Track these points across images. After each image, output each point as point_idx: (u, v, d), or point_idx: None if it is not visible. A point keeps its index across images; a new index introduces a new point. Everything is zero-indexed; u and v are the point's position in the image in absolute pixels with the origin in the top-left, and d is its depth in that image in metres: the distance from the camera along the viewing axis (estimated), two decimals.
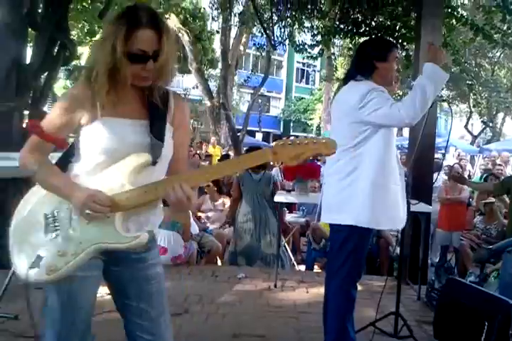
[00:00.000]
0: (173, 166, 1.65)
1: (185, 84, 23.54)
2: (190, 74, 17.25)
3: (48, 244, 1.52)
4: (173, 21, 13.33)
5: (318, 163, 6.49)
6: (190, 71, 16.12)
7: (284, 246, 5.45)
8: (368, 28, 6.33)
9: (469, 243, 5.77)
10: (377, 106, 2.31)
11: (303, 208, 6.82)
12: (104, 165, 1.54)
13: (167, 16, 11.79)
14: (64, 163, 1.64)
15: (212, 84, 16.45)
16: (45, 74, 5.07)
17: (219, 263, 5.54)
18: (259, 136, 26.30)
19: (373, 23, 6.32)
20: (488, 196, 6.21)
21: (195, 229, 5.56)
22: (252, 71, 15.72)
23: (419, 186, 3.83)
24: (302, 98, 31.03)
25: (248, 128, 15.98)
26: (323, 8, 6.79)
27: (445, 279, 3.70)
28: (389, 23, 6.22)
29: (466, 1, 10.47)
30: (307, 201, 5.08)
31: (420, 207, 3.63)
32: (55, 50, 4.98)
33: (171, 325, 1.75)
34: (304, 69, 32.83)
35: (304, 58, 8.87)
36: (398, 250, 5.41)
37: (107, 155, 1.53)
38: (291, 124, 31.39)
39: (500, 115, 25.51)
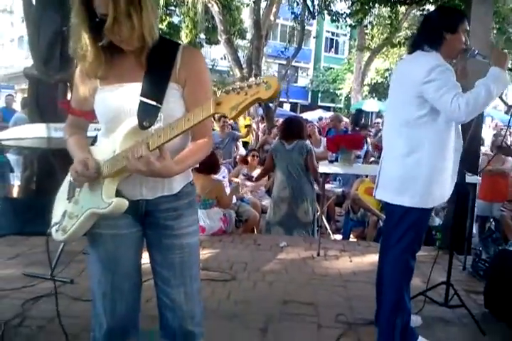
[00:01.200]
0: (195, 127, 1.38)
1: (213, 55, 23.41)
2: (218, 45, 17.13)
3: (67, 207, 1.64)
4: None
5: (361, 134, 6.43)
6: (218, 41, 15.96)
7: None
8: None
9: (510, 214, 5.71)
10: (441, 91, 2.22)
11: (339, 179, 6.82)
12: (109, 132, 1.56)
13: None
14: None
15: (240, 55, 16.27)
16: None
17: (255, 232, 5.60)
18: (286, 107, 26.06)
19: None
20: None
21: (232, 198, 5.62)
22: (288, 42, 15.43)
23: (467, 158, 3.77)
24: (331, 68, 30.47)
25: None
26: None
27: (492, 249, 3.69)
28: None
29: None
30: (352, 172, 5.06)
31: (469, 178, 3.58)
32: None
33: (195, 297, 1.71)
34: (333, 39, 32.14)
35: (338, 27, 8.65)
36: (437, 219, 5.43)
37: (108, 122, 1.58)
38: (320, 95, 30.98)
39: None
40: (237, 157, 7.73)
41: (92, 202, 1.54)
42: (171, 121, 1.45)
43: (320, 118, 13.55)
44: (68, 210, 1.62)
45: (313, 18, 9.29)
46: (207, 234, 4.71)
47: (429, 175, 2.37)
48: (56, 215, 1.67)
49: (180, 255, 1.67)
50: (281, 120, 13.05)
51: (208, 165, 4.72)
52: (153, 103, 1.51)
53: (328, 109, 25.93)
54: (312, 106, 26.79)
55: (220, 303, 3.12)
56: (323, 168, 4.19)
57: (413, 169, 2.37)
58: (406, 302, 2.47)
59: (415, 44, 2.48)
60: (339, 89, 28.20)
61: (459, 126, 2.47)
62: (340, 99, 28.23)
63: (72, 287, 3.19)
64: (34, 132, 3.61)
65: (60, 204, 1.68)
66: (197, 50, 1.73)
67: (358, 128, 8.40)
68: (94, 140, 1.74)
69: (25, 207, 4.71)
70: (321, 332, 2.79)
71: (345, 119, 13.02)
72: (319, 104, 29.72)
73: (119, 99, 1.54)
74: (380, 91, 24.33)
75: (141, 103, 1.51)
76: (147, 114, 1.50)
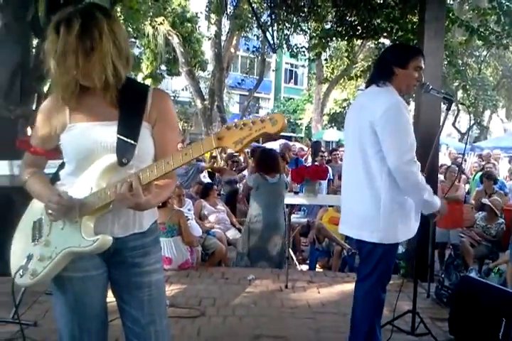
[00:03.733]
0: None
1: (174, 86, 23.60)
2: (179, 77, 17.33)
3: (32, 250, 1.60)
4: (164, 24, 13.37)
5: (327, 165, 6.55)
6: (179, 73, 16.17)
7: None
8: (365, 31, 6.41)
9: (469, 240, 5.89)
10: (402, 133, 2.32)
11: (304, 209, 6.90)
12: (80, 170, 1.58)
13: (158, 21, 11.78)
14: (58, 172, 1.72)
15: (202, 86, 16.50)
16: (49, 80, 5.07)
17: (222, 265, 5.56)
18: None
19: (370, 26, 6.39)
20: (487, 195, 6.37)
21: (198, 231, 5.59)
22: (246, 74, 15.81)
23: None
24: (291, 98, 31.15)
25: None
26: (319, 11, 6.86)
27: (454, 276, 3.81)
28: (386, 25, 6.29)
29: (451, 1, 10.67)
30: (317, 203, 5.15)
31: None
32: None
33: (165, 334, 1.73)
34: (292, 70, 33.06)
35: (299, 60, 8.94)
36: (400, 248, 5.55)
37: (80, 161, 1.58)
38: None
39: (487, 113, 25.98)
40: (195, 187, 7.56)
41: (69, 242, 1.52)
42: (145, 158, 1.54)
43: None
44: (36, 253, 1.58)
45: (274, 53, 9.57)
46: (173, 266, 4.66)
47: (389, 210, 2.36)
48: (18, 259, 1.63)
49: (149, 293, 1.68)
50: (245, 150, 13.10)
51: None
52: (130, 141, 1.55)
53: (289, 138, 26.32)
54: (273, 137, 27.12)
55: None
56: (289, 199, 4.25)
57: (372, 204, 2.38)
58: (377, 334, 2.49)
59: (370, 79, 2.59)
60: (300, 119, 28.78)
61: None
62: (301, 129, 28.77)
63: (36, 330, 3.08)
64: None
65: (22, 247, 1.64)
66: (166, 93, 1.79)
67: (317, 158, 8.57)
68: (53, 178, 1.72)
69: None
70: None
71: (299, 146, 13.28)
72: (280, 133, 30.16)
73: (94, 136, 1.56)
74: (338, 120, 25.00)
75: (119, 141, 1.54)
76: (125, 151, 1.54)
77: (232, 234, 6.07)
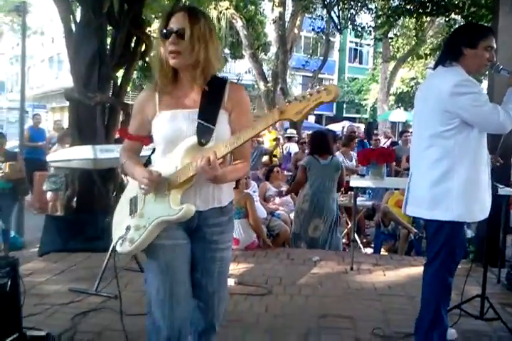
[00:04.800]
0: (237, 148, 1.68)
1: (237, 69, 23.78)
2: (243, 60, 17.44)
3: (130, 222, 1.87)
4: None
5: (394, 147, 6.47)
6: (242, 56, 16.27)
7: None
8: (435, 7, 6.14)
9: None
10: (477, 104, 2.29)
11: (369, 191, 6.86)
12: (167, 152, 1.82)
13: (224, 6, 11.87)
14: (150, 156, 2.02)
15: (264, 68, 16.50)
16: (124, 68, 5.32)
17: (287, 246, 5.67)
18: (311, 119, 26.09)
19: (441, 2, 6.12)
20: None
21: (263, 212, 5.72)
22: (310, 55, 15.67)
23: (498, 169, 3.78)
24: (355, 78, 30.44)
25: None
26: None
27: None
28: (458, 1, 6.00)
29: None
30: (383, 186, 5.13)
31: (501, 190, 3.60)
32: (132, 45, 5.22)
33: (225, 300, 2.05)
34: (357, 49, 32.20)
35: (364, 39, 8.76)
36: (469, 232, 5.42)
37: (166, 143, 1.83)
38: (345, 106, 30.93)
39: None
40: (262, 169, 7.82)
41: (160, 212, 1.77)
42: (222, 140, 1.74)
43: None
44: (132, 224, 1.84)
45: (340, 33, 9.40)
46: (241, 247, 4.83)
47: (464, 187, 2.35)
48: (119, 230, 1.90)
49: (220, 266, 1.93)
50: (306, 133, 13.13)
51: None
52: (209, 125, 1.78)
53: (353, 120, 25.87)
54: (337, 118, 26.78)
55: (259, 317, 3.22)
56: (355, 182, 4.26)
57: (446, 182, 2.37)
58: (443, 318, 2.48)
59: (438, 60, 2.55)
60: (365, 99, 28.09)
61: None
62: (366, 110, 28.12)
63: (117, 302, 3.29)
64: (81, 154, 3.82)
65: (121, 221, 1.91)
66: (240, 85, 2.03)
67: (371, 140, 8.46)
68: (147, 161, 1.98)
69: (66, 224, 4.92)
70: None
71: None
72: (344, 115, 29.69)
73: (179, 122, 1.81)
74: (406, 100, 24.21)
75: (199, 125, 1.78)
76: (204, 134, 1.77)
77: None
